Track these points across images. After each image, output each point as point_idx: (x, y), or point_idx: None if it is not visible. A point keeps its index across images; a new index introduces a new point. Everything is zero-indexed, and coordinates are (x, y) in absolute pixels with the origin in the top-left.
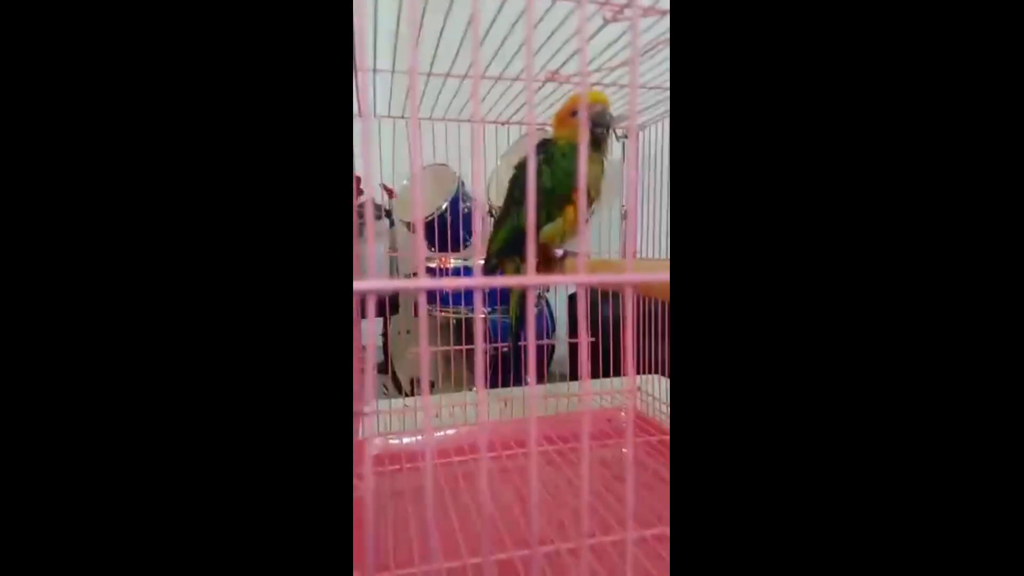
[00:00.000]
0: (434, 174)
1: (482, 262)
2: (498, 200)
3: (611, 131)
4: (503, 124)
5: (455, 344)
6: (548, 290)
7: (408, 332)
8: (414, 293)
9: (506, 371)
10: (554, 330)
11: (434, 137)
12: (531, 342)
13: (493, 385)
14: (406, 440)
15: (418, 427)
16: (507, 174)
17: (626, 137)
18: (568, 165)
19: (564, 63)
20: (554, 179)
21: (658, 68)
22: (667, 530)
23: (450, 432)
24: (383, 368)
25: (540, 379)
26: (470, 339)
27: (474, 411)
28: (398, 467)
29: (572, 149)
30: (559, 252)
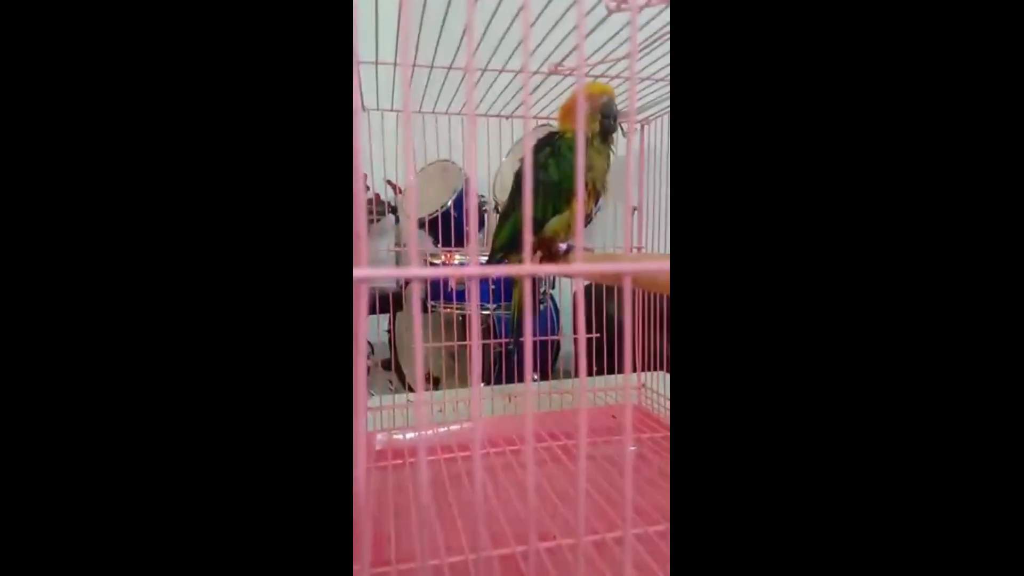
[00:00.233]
0: (439, 170)
1: (484, 258)
2: (502, 196)
3: (618, 123)
4: (507, 118)
5: (460, 340)
6: (553, 286)
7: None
8: (413, 288)
9: (510, 367)
10: (559, 326)
11: (438, 132)
12: (528, 334)
13: (497, 381)
14: (410, 435)
15: (418, 422)
16: (512, 169)
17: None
18: (576, 158)
19: (567, 55)
20: (561, 172)
21: (665, 60)
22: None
23: (454, 427)
24: (388, 364)
25: (545, 375)
26: None
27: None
28: (401, 462)
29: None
30: (563, 246)
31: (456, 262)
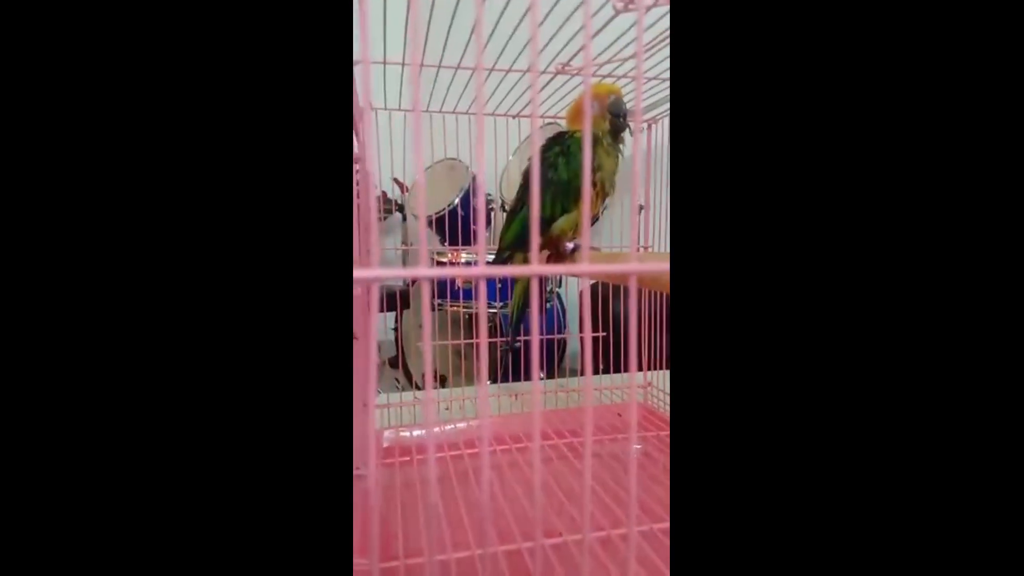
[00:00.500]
0: (446, 168)
1: (491, 257)
2: (509, 195)
3: (627, 122)
4: (513, 117)
5: (466, 338)
6: (560, 284)
7: (420, 327)
8: (422, 287)
9: (516, 364)
10: (566, 325)
11: (445, 131)
12: (534, 334)
13: (503, 379)
14: (416, 432)
15: (425, 419)
16: (520, 168)
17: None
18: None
19: (575, 55)
20: (570, 171)
21: None
22: None
23: (460, 425)
24: (395, 362)
25: (551, 374)
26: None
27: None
28: (408, 459)
29: (591, 141)
30: (570, 246)
31: (462, 260)
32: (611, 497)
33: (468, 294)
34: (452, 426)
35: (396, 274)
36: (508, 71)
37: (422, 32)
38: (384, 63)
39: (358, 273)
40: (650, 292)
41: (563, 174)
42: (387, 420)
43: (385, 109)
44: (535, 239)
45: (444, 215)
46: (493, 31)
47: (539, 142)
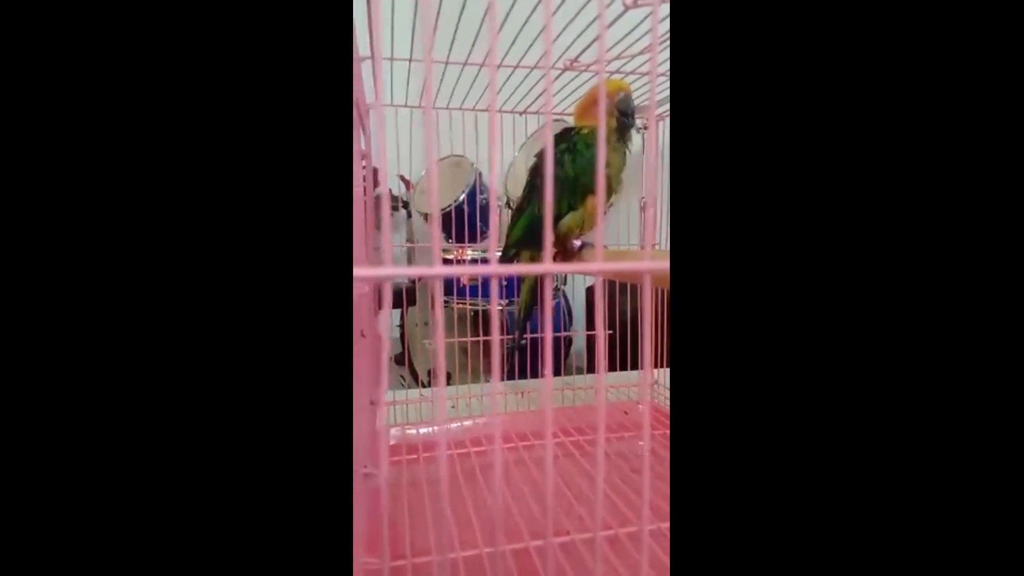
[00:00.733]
0: (452, 165)
1: (499, 254)
2: (514, 191)
3: (635, 119)
4: (520, 114)
5: (472, 335)
6: (565, 282)
7: (425, 324)
8: (431, 286)
9: (523, 362)
10: (571, 323)
11: (451, 127)
12: (547, 332)
13: (510, 377)
14: (423, 430)
15: (435, 417)
16: (526, 164)
17: (646, 128)
18: (592, 155)
19: (583, 51)
20: (576, 168)
21: None
22: None
23: (467, 423)
24: (400, 360)
25: (557, 371)
26: (487, 331)
27: (490, 402)
28: (415, 456)
29: (596, 139)
30: (577, 243)
31: (468, 257)
32: (619, 495)
33: (474, 291)
34: (459, 424)
35: (407, 272)
36: (515, 67)
37: (431, 29)
38: (392, 59)
39: (368, 271)
40: (656, 290)
41: (569, 171)
42: (393, 418)
43: (391, 105)
44: (548, 237)
45: (450, 212)
46: (501, 28)
47: (546, 139)
